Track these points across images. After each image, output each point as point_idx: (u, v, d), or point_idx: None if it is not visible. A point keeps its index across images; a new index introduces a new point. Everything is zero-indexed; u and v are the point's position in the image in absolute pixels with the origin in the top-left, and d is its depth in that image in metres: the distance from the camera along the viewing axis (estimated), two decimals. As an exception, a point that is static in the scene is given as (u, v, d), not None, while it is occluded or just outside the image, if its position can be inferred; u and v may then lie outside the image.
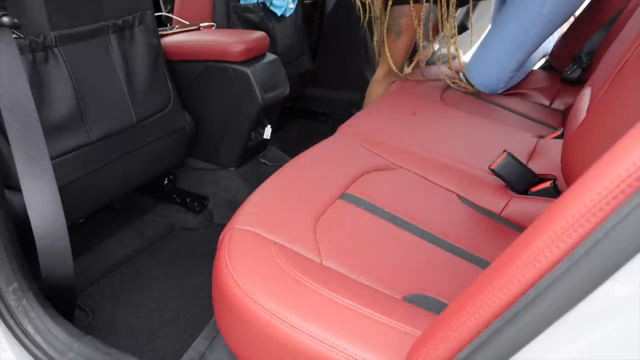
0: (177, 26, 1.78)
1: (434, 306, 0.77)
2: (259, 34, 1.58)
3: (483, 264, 0.92)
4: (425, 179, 1.14)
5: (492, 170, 1.09)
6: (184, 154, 1.65)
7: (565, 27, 2.01)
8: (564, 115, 1.76)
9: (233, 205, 1.69)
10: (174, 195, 1.72)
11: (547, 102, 1.86)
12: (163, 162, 1.54)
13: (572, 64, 1.84)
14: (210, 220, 1.70)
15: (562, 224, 0.40)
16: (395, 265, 0.86)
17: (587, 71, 1.80)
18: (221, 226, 1.73)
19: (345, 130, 1.31)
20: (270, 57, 1.61)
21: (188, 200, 1.70)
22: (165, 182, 1.71)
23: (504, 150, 1.10)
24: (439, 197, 1.09)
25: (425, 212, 1.02)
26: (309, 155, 1.14)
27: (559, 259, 0.39)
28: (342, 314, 0.66)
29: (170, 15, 1.90)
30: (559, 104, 1.83)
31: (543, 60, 2.11)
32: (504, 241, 1.02)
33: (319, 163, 1.12)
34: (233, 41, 1.50)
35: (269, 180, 1.02)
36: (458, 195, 1.10)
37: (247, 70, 1.50)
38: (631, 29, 1.02)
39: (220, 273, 0.75)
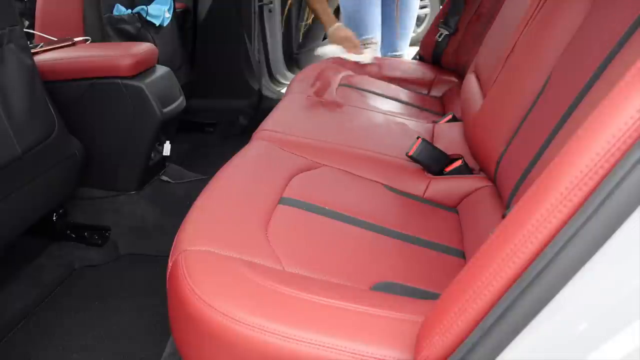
0: (42, 44, 1.59)
1: (400, 290, 0.81)
2: (147, 45, 1.49)
3: (423, 243, 0.98)
4: (351, 173, 1.17)
5: (410, 157, 1.17)
6: (76, 183, 1.48)
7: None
8: (442, 101, 1.95)
9: (141, 232, 1.57)
10: (68, 232, 1.54)
11: (425, 91, 2.04)
12: (55, 196, 1.37)
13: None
14: (116, 252, 1.55)
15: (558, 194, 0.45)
16: (352, 259, 0.88)
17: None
18: (131, 257, 1.60)
19: (261, 136, 1.29)
20: (161, 69, 1.52)
21: (86, 234, 1.53)
22: (55, 218, 1.52)
23: (418, 137, 1.18)
24: (368, 188, 1.13)
25: (360, 205, 1.05)
26: (232, 166, 1.11)
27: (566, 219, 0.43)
28: (334, 314, 0.65)
29: (30, 31, 1.68)
30: (436, 92, 2.02)
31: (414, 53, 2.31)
32: (433, 220, 1.10)
33: (247, 173, 1.09)
34: (120, 55, 1.39)
35: (202, 197, 0.96)
36: (384, 185, 1.15)
37: (141, 84, 1.39)
38: (509, 17, 1.17)
39: (187, 301, 0.70)
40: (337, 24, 2.11)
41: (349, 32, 2.08)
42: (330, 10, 2.20)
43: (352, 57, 2.03)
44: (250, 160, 1.14)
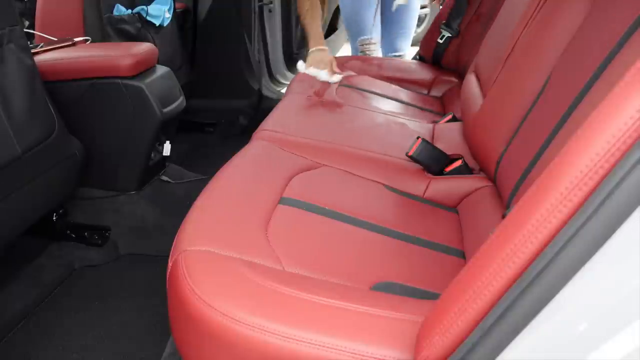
0: (42, 44, 1.59)
1: (400, 290, 0.80)
2: (147, 45, 1.49)
3: (423, 243, 0.98)
4: (351, 173, 1.17)
5: (410, 157, 1.17)
6: (76, 183, 1.48)
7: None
8: (442, 101, 1.95)
9: (141, 232, 1.57)
10: (68, 232, 1.53)
11: (425, 91, 2.04)
12: (55, 196, 1.37)
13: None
14: (116, 252, 1.55)
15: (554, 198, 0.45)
16: (352, 259, 0.88)
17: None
18: (131, 257, 1.60)
19: (261, 136, 1.29)
20: (161, 69, 1.52)
21: (86, 234, 1.53)
22: (55, 217, 1.52)
23: (418, 137, 1.18)
24: (369, 188, 1.13)
25: (360, 205, 1.05)
26: (232, 166, 1.11)
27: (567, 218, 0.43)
28: (334, 314, 0.65)
29: (30, 31, 1.68)
30: (436, 92, 2.02)
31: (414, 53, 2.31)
32: (433, 220, 1.10)
33: (247, 173, 1.09)
34: (120, 55, 1.39)
35: (202, 197, 0.96)
36: (384, 185, 1.15)
37: (141, 84, 1.39)
38: (508, 17, 1.17)
39: (187, 301, 0.70)
40: (320, 47, 1.84)
41: (326, 57, 1.83)
42: (321, 32, 1.93)
43: (319, 73, 1.77)
44: (250, 160, 1.14)
